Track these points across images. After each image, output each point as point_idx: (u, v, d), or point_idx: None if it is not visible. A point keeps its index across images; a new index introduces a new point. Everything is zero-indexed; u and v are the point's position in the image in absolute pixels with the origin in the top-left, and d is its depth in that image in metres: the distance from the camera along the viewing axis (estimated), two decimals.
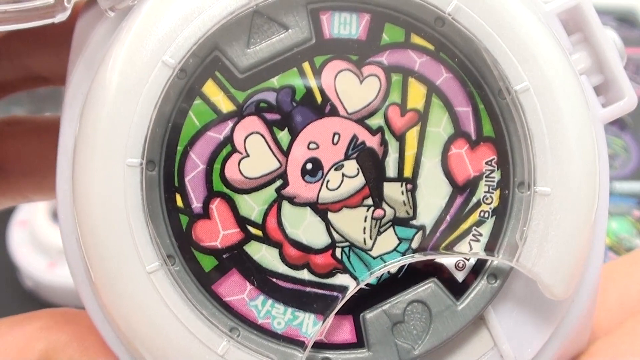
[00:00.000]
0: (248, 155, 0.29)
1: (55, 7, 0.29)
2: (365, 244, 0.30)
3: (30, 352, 0.31)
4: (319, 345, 0.30)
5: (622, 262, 0.38)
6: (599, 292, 0.32)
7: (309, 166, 0.29)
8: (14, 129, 0.42)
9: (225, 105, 0.29)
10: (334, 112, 0.29)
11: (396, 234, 0.30)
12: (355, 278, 0.30)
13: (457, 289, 0.30)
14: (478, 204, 0.30)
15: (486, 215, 0.30)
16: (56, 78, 0.41)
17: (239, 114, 0.29)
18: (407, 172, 0.30)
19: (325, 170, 0.29)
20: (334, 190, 0.29)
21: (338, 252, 0.29)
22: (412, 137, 0.30)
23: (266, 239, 0.29)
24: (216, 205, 0.29)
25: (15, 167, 0.42)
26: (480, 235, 0.30)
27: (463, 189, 0.30)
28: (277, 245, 0.29)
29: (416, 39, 0.30)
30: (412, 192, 0.30)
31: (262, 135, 0.29)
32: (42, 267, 0.83)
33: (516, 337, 0.30)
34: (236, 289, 0.29)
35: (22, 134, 0.42)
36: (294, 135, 0.29)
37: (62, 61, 0.32)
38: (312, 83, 0.29)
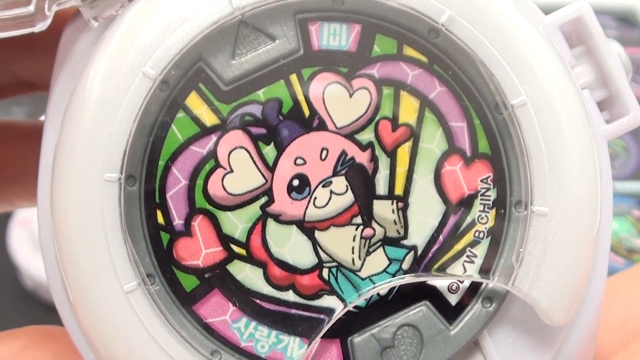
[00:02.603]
0: (232, 171, 0.28)
1: (36, 16, 0.28)
2: (353, 264, 0.29)
3: None
4: None
5: (624, 277, 0.36)
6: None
7: (296, 182, 0.28)
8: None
9: (209, 119, 0.28)
10: (322, 127, 0.28)
11: (386, 255, 0.29)
12: (342, 300, 0.29)
13: (450, 313, 0.29)
14: (473, 224, 0.29)
15: (481, 235, 0.29)
16: (44, 84, 0.40)
17: (223, 128, 0.28)
18: (398, 190, 0.29)
19: (313, 187, 0.28)
20: (321, 207, 0.28)
21: (325, 272, 0.28)
22: (403, 153, 0.29)
23: (250, 259, 0.28)
24: (198, 223, 0.28)
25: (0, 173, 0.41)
26: (475, 256, 0.29)
27: (457, 208, 0.29)
28: (261, 264, 0.28)
29: (409, 51, 0.29)
30: (404, 210, 0.29)
31: (246, 150, 0.28)
32: (42, 267, 0.83)
33: None
34: (218, 310, 0.28)
35: (8, 140, 0.41)
36: (280, 150, 0.28)
37: (50, 67, 0.31)
38: (300, 96, 0.28)
